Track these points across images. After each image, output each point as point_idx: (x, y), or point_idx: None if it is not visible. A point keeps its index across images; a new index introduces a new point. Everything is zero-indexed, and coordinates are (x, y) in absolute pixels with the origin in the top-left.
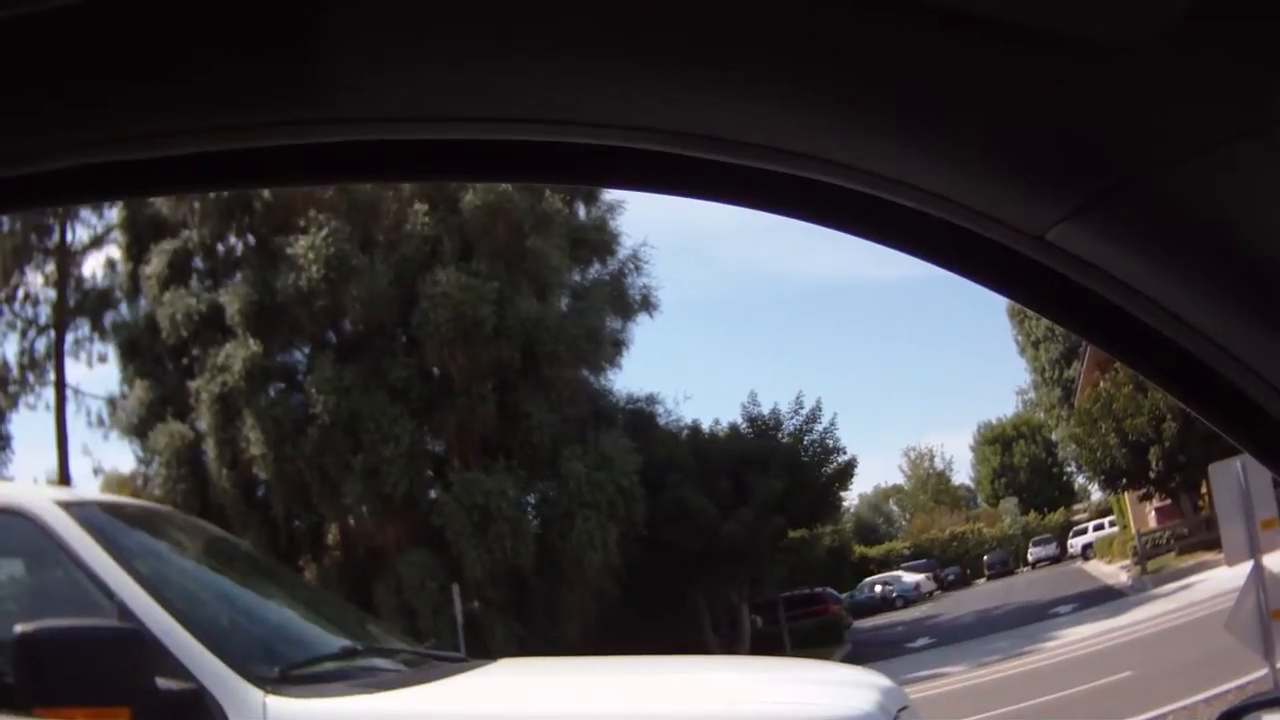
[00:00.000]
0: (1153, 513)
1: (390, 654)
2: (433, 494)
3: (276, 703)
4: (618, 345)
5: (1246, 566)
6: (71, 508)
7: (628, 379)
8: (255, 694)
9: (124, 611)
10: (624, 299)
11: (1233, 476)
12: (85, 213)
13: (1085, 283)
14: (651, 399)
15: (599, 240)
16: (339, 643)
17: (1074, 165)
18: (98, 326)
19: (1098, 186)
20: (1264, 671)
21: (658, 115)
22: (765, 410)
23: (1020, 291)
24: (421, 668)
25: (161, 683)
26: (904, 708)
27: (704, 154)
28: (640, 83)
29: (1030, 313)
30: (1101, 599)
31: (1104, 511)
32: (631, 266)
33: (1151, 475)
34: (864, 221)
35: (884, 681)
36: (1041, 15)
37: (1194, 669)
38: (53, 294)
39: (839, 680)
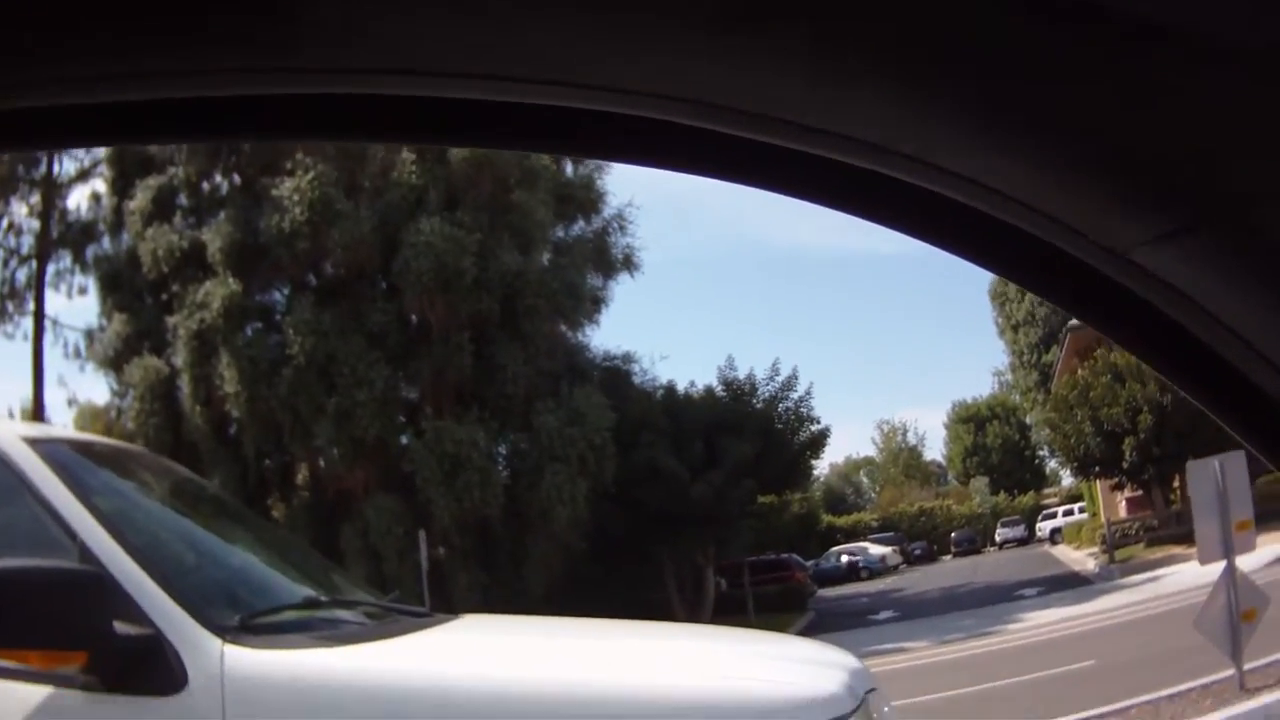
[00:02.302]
0: (1123, 502)
1: (353, 606)
2: (404, 440)
3: (234, 652)
4: (597, 302)
5: (1218, 566)
6: (38, 444)
7: (605, 336)
8: (213, 642)
9: (85, 553)
10: (606, 257)
11: (1210, 475)
12: None
13: (1165, 308)
14: (628, 357)
15: (584, 197)
16: (302, 592)
17: (1178, 184)
18: (79, 259)
19: (1199, 209)
20: (1230, 672)
21: (690, 83)
22: (741, 375)
23: (1092, 310)
24: (384, 621)
25: (119, 627)
26: (872, 689)
27: (735, 130)
28: (674, 46)
29: (1011, 296)
30: (1068, 585)
31: (1074, 498)
32: (616, 225)
33: (1124, 465)
34: (926, 222)
35: (852, 661)
36: (1165, 8)
37: (1159, 664)
38: (36, 225)
39: (805, 658)
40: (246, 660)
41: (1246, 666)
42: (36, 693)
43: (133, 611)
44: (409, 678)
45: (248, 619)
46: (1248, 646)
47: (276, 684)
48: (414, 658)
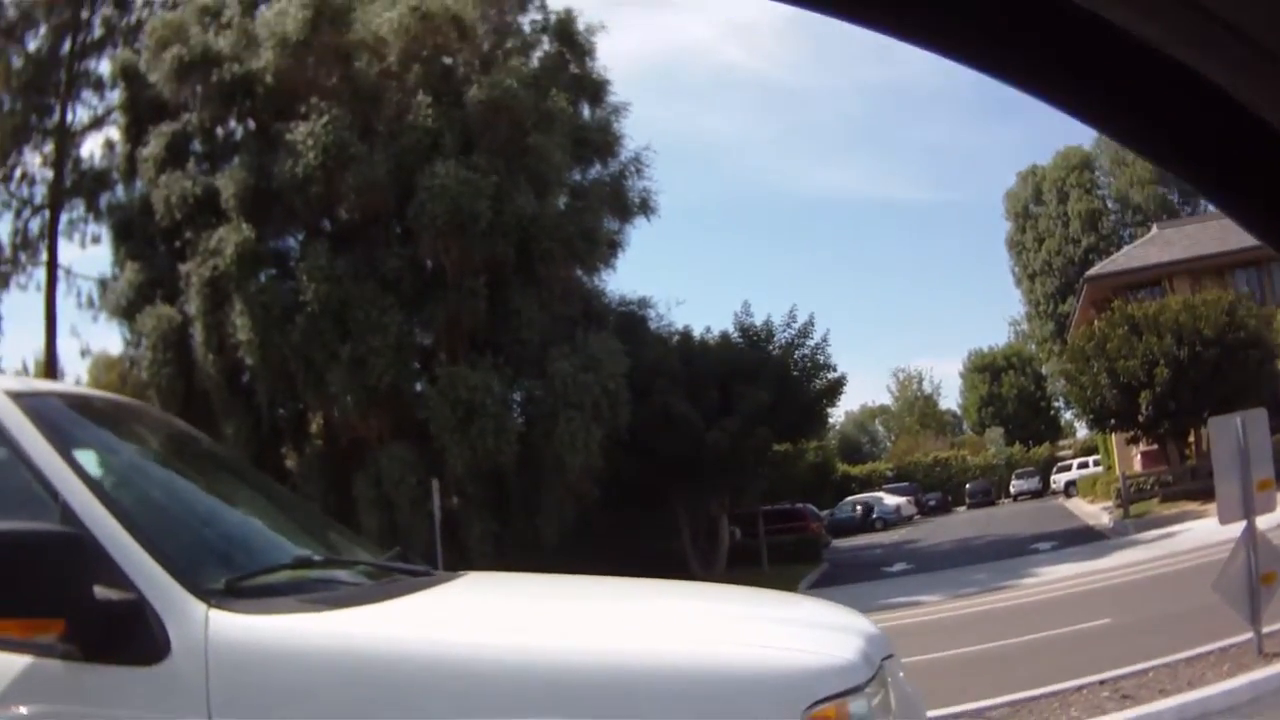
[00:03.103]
0: (1139, 456)
1: (349, 565)
2: (418, 387)
3: (219, 617)
4: (613, 246)
5: (1237, 526)
6: (22, 398)
7: (621, 281)
8: (198, 607)
9: (67, 513)
10: (623, 200)
11: (1232, 432)
12: (86, 93)
13: None
14: (644, 302)
15: (602, 141)
16: (295, 552)
17: None
18: (93, 207)
19: None
20: (1249, 635)
21: None
22: (758, 321)
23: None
24: (381, 582)
25: (100, 592)
26: (889, 656)
27: None
28: None
29: (1028, 245)
30: (1082, 539)
31: (1089, 450)
32: (633, 169)
33: (1140, 419)
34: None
35: (869, 626)
36: None
37: (1175, 624)
38: (50, 174)
39: (820, 623)
40: (231, 625)
41: (1265, 630)
42: (13, 663)
43: (115, 575)
44: (402, 644)
45: (234, 581)
46: (1267, 610)
47: (262, 651)
48: (409, 622)
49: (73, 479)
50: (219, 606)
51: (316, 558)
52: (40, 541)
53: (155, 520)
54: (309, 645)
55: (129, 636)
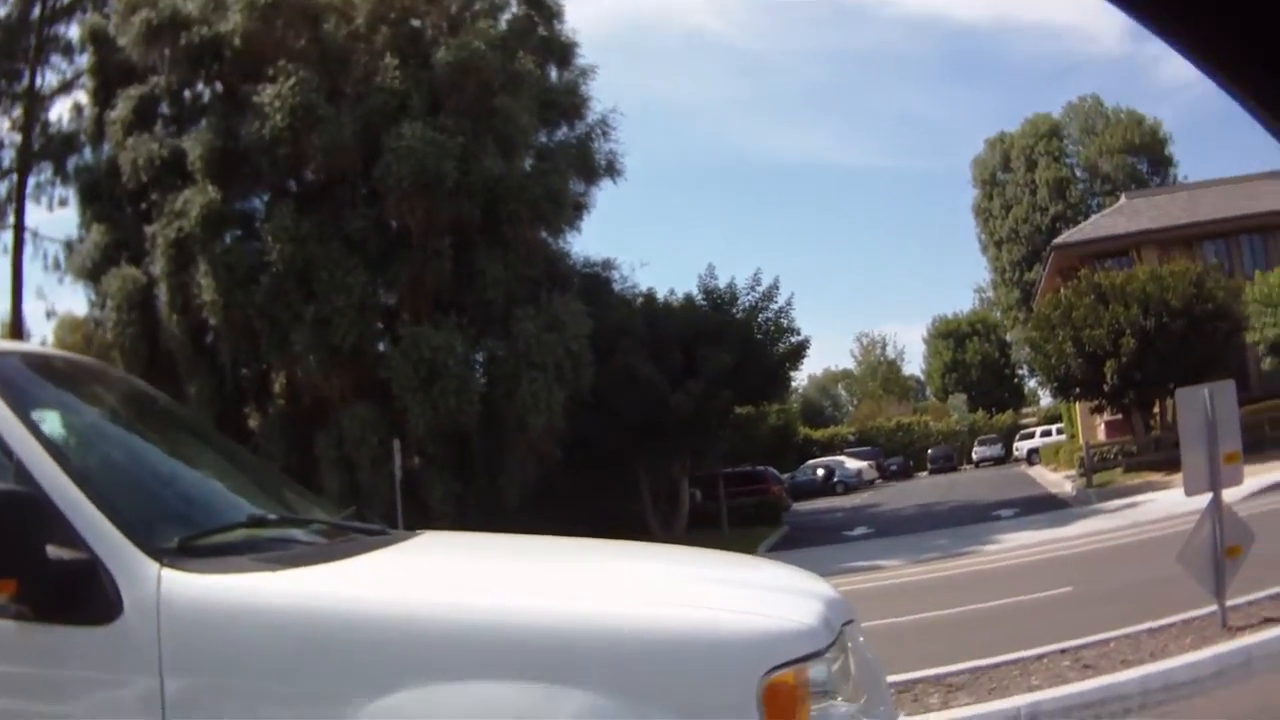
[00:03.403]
0: (1102, 426)
1: (304, 524)
2: (381, 347)
3: (172, 576)
4: (579, 208)
5: (1203, 498)
6: None
7: (586, 243)
8: (150, 566)
9: (20, 472)
10: (589, 163)
11: (1200, 404)
12: (56, 58)
13: None
14: (608, 264)
15: (569, 103)
16: (250, 511)
17: None
18: (60, 170)
19: None
20: (1212, 608)
21: None
22: (722, 284)
23: None
24: (336, 541)
25: (53, 551)
26: (849, 621)
27: None
28: None
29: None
30: (1044, 507)
31: (1053, 418)
32: (599, 131)
33: (1105, 388)
34: None
35: (829, 591)
36: None
37: (1137, 594)
38: (18, 138)
39: (781, 586)
40: (184, 584)
41: (1229, 604)
42: None
43: (68, 534)
44: (354, 603)
45: (188, 540)
46: (1231, 584)
47: (215, 610)
48: (362, 582)
49: (28, 438)
50: (172, 565)
51: (271, 517)
52: None
53: (110, 479)
54: (262, 604)
55: (82, 596)
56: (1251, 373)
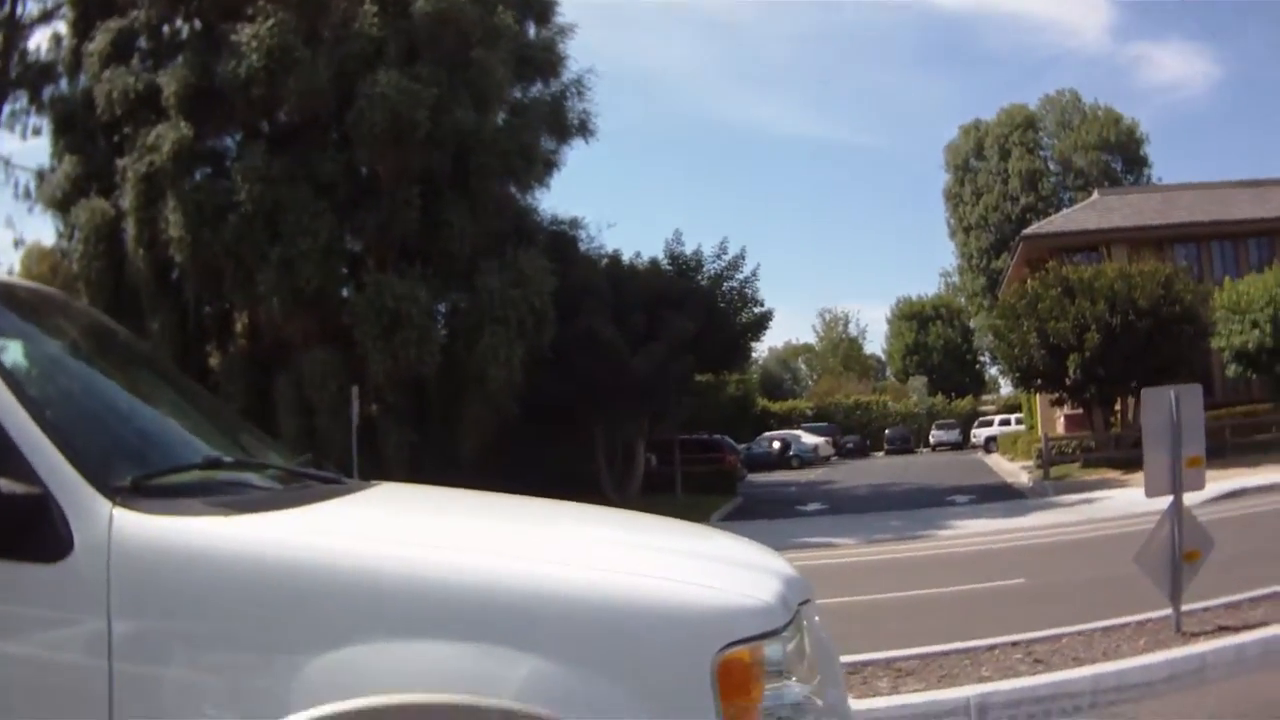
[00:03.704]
0: (1062, 419)
1: (260, 469)
2: (345, 293)
3: (124, 516)
4: (549, 165)
5: (1162, 500)
6: None
7: (555, 200)
8: (103, 504)
9: None
10: (562, 120)
11: (1165, 405)
12: None
13: None
14: (575, 223)
15: (545, 60)
16: (206, 452)
17: None
18: (36, 100)
19: None
20: (1167, 611)
21: None
22: (689, 250)
23: None
24: (291, 488)
25: (4, 484)
26: (806, 600)
27: None
28: None
29: (965, 198)
30: (1000, 495)
31: (1012, 408)
32: (574, 90)
33: (1067, 382)
34: None
35: (787, 568)
36: None
37: (1091, 591)
38: None
39: (737, 560)
40: (136, 525)
41: (1184, 609)
42: None
43: (19, 467)
44: (306, 552)
45: (141, 479)
46: (1187, 589)
47: (166, 553)
48: (315, 531)
49: None
50: (124, 505)
51: (227, 459)
52: None
53: (66, 413)
54: (213, 549)
55: (31, 532)
56: (1215, 378)
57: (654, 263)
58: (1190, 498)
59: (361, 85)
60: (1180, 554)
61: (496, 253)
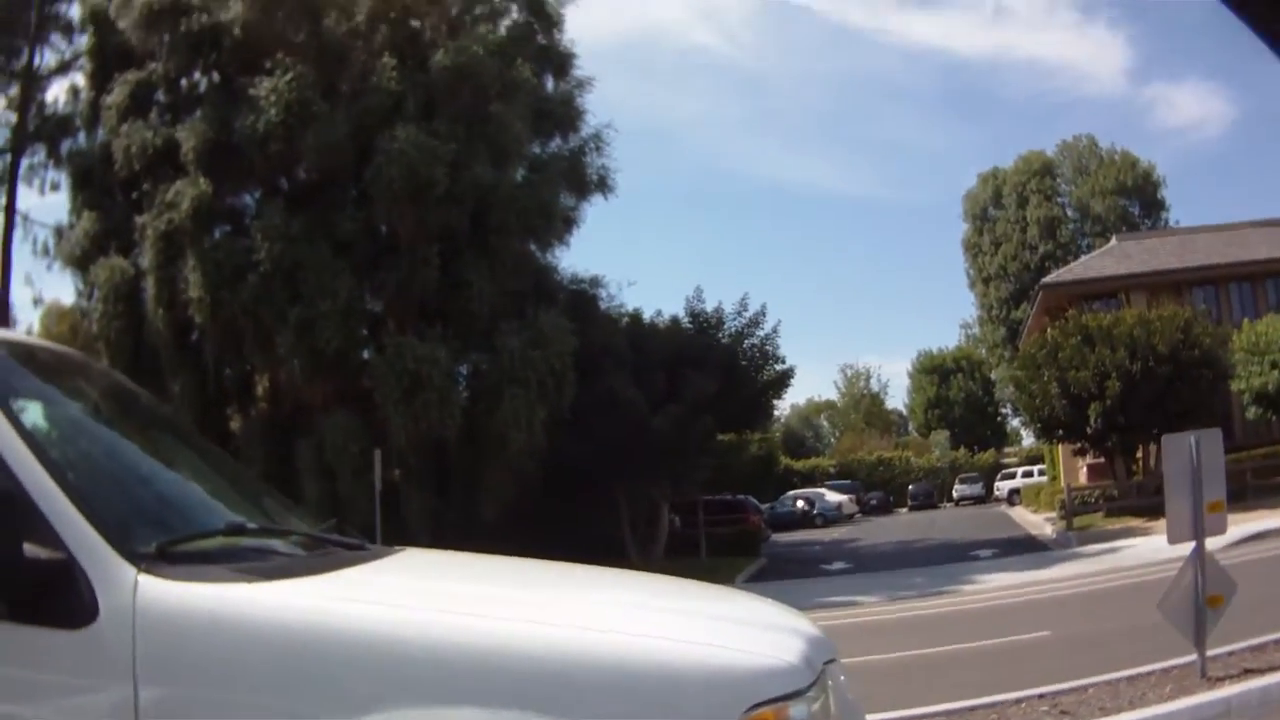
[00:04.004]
0: (1085, 469)
1: (284, 535)
2: (365, 354)
3: (149, 582)
4: (568, 222)
5: (1185, 546)
6: None
7: (574, 257)
8: (128, 570)
9: (1, 468)
10: (581, 176)
11: (1185, 451)
12: (56, 38)
13: None
14: (595, 281)
15: (564, 114)
16: (229, 518)
17: None
18: (54, 154)
19: None
20: (1192, 657)
21: None
22: (709, 307)
23: None
24: (315, 554)
25: (29, 550)
26: (831, 660)
27: None
28: None
29: (984, 248)
30: (1024, 548)
31: (1034, 458)
32: (593, 145)
33: (1089, 431)
34: None
35: (810, 628)
36: None
37: (1116, 642)
38: (13, 118)
39: (761, 621)
40: (161, 591)
41: (1209, 654)
42: None
43: (45, 533)
44: (332, 619)
45: (166, 546)
46: (1211, 634)
47: (191, 620)
48: (340, 598)
49: (8, 430)
50: (149, 571)
51: (251, 525)
52: None
53: (90, 478)
54: (239, 616)
55: (57, 598)
56: (1236, 420)
57: (674, 321)
58: (1212, 542)
59: (380, 141)
60: (1203, 599)
61: (516, 312)
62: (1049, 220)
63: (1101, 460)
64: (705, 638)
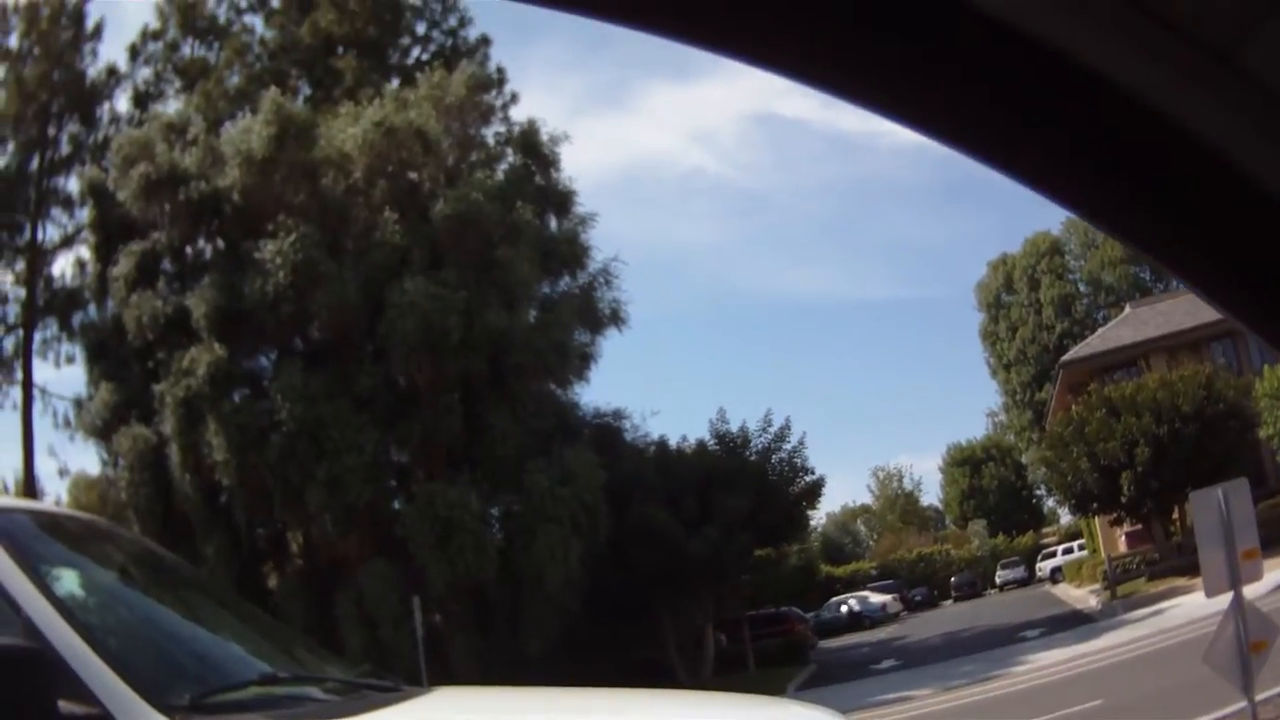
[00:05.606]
0: (1123, 537)
1: (317, 682)
2: (396, 505)
3: None
4: (585, 359)
5: (1225, 597)
6: None
7: (595, 393)
8: None
9: (30, 629)
10: (593, 312)
11: (1214, 504)
12: (57, 211)
13: None
14: (618, 414)
15: (570, 252)
16: (260, 668)
17: None
18: (66, 326)
19: None
20: (1242, 704)
21: None
22: (733, 427)
23: None
24: (349, 698)
25: (64, 706)
26: None
27: None
28: None
29: (1002, 335)
30: (1071, 623)
31: (1073, 535)
32: (601, 280)
33: (1123, 500)
34: None
35: None
36: None
37: (1168, 699)
38: (22, 293)
39: None
40: None
41: (1259, 698)
42: None
43: (79, 690)
44: None
45: (199, 698)
46: (1259, 678)
47: None
48: None
49: (36, 595)
50: None
51: (283, 674)
52: (4, 656)
53: (120, 636)
54: None
55: None
56: (1267, 467)
57: (701, 444)
58: (1251, 590)
59: (390, 294)
60: (1247, 646)
61: (542, 451)
62: (1062, 298)
63: (1139, 527)
64: None
